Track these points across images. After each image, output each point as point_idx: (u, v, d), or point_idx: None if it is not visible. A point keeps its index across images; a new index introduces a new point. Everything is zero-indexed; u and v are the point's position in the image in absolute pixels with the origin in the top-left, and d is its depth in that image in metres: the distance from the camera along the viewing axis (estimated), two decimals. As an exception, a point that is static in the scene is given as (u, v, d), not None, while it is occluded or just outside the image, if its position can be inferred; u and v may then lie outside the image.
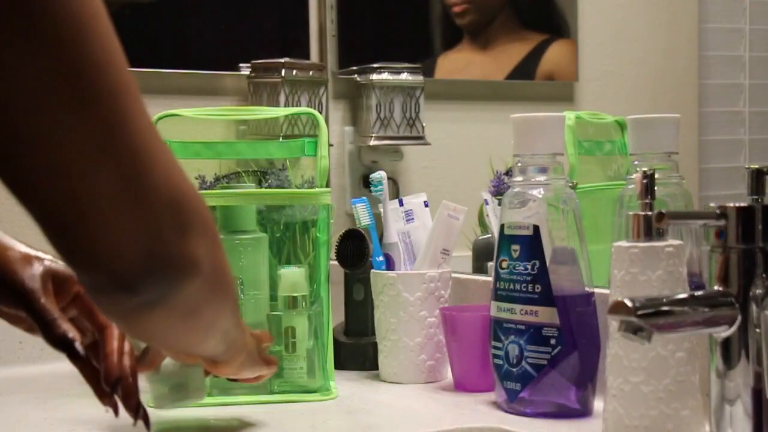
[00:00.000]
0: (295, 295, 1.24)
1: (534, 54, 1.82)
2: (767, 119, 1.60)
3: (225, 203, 1.27)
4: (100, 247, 0.55)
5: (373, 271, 1.33)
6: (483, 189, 1.55)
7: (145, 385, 0.97)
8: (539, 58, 1.82)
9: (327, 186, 1.28)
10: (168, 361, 0.98)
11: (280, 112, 1.46)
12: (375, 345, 1.33)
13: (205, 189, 1.45)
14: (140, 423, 0.91)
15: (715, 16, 1.64)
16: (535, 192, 1.11)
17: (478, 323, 1.21)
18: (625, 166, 1.36)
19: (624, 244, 0.94)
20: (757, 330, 0.83)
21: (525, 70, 1.82)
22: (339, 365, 1.32)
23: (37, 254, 0.88)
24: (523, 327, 1.10)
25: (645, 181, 0.90)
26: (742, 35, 1.61)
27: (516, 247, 1.11)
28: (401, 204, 1.40)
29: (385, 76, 1.69)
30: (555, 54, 1.83)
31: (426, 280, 1.29)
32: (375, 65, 1.69)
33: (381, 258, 1.34)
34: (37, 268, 0.86)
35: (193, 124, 1.37)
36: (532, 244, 1.10)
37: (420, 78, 1.71)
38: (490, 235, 1.49)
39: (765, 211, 0.84)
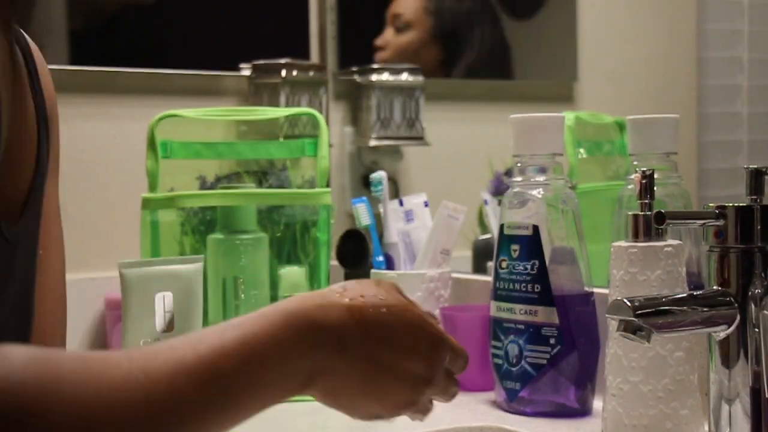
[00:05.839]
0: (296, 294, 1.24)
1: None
2: (766, 120, 1.60)
3: (225, 203, 1.27)
4: None
5: (373, 271, 1.33)
6: (483, 189, 1.56)
7: None
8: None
9: (327, 186, 1.29)
10: None
11: (281, 112, 1.46)
12: (375, 344, 1.33)
13: (206, 189, 1.45)
14: None
15: (714, 17, 1.64)
16: (534, 192, 1.12)
17: (477, 323, 1.22)
18: (624, 166, 1.37)
19: (623, 244, 0.94)
20: (756, 329, 0.83)
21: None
22: (339, 365, 1.31)
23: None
24: (522, 327, 1.10)
25: (644, 181, 0.90)
26: (741, 36, 1.61)
27: (515, 247, 1.12)
28: (401, 204, 1.40)
29: (385, 76, 1.69)
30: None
31: (426, 280, 1.29)
32: (375, 66, 1.70)
33: (381, 258, 1.34)
34: None
35: (193, 125, 1.37)
36: (531, 244, 1.10)
37: (420, 78, 1.71)
38: (489, 235, 1.49)
39: (764, 211, 0.84)
